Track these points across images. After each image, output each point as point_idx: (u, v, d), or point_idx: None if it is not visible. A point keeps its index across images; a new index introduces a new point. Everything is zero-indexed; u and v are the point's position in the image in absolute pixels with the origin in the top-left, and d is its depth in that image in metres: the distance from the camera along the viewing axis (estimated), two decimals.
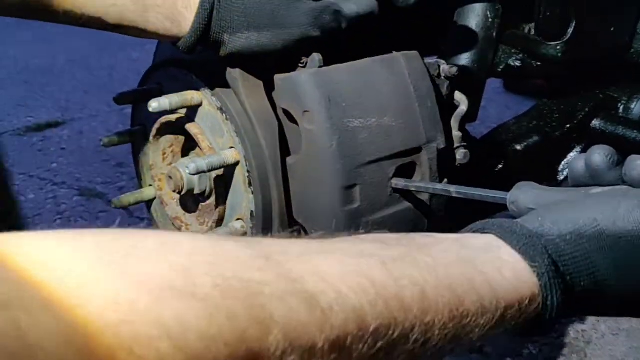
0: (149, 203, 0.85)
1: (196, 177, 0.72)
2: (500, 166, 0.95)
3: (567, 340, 1.43)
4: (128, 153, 2.81)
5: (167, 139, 0.79)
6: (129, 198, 0.82)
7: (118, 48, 3.84)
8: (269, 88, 0.67)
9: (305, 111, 0.60)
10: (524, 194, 0.49)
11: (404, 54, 0.67)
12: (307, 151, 0.61)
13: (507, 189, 0.96)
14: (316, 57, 0.61)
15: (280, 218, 0.67)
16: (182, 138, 0.77)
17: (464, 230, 0.44)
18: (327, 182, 0.60)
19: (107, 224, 2.12)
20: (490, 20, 0.86)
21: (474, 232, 0.43)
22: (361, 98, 0.62)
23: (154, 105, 0.67)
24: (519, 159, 0.97)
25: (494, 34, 0.87)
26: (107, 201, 2.06)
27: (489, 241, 0.41)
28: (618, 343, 1.42)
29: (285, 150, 0.66)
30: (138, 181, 0.87)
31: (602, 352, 1.40)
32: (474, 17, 0.87)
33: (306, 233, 0.66)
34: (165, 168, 0.81)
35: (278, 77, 0.63)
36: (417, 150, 0.66)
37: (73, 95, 3.05)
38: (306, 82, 0.60)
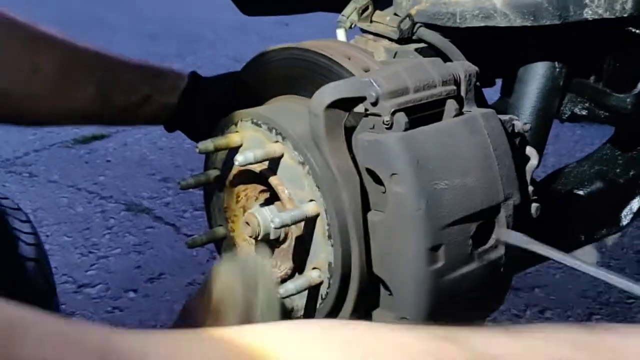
0: (219, 242, 0.88)
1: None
2: (561, 212, 0.96)
3: None
4: (172, 166, 2.86)
5: (243, 183, 0.81)
6: (202, 238, 0.85)
7: (159, 59, 3.90)
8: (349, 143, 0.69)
9: (394, 174, 0.62)
10: None
11: (483, 113, 0.69)
12: (393, 211, 0.63)
13: (567, 235, 0.97)
14: (402, 119, 0.63)
15: (360, 271, 0.68)
16: (258, 184, 0.80)
17: None
18: (413, 242, 0.62)
19: (155, 239, 2.15)
20: (557, 69, 0.87)
21: None
22: (446, 160, 0.63)
23: (240, 159, 0.70)
24: (581, 205, 0.97)
25: (561, 83, 0.88)
26: (154, 217, 2.10)
27: None
28: None
29: (365, 205, 0.68)
30: (208, 221, 0.90)
31: None
32: (542, 66, 0.88)
33: (385, 287, 0.68)
34: (238, 210, 0.83)
35: (364, 139, 0.65)
36: (497, 207, 0.67)
37: None
38: (395, 145, 0.61)
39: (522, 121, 0.76)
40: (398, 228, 0.63)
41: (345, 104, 0.67)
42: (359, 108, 0.67)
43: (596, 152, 1.01)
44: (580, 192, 0.97)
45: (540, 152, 0.90)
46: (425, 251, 0.62)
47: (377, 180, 0.65)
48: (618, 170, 0.97)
